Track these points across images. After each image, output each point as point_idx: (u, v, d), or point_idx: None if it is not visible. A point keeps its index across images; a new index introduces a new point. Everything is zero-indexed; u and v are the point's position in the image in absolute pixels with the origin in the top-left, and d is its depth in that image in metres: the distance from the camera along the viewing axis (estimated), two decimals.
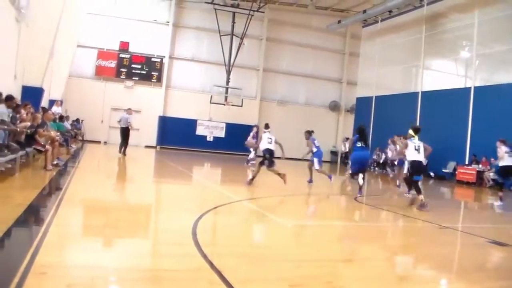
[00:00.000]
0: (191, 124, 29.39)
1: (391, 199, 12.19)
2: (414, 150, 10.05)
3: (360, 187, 11.52)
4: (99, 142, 27.67)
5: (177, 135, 28.97)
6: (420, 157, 10.06)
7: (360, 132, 11.55)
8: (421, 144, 10.16)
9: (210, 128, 29.69)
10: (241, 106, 27.09)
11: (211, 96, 27.10)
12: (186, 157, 23.58)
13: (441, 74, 24.13)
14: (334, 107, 32.72)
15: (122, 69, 28.22)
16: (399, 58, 26.00)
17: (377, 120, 26.88)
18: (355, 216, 9.02)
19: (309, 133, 13.66)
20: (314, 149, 13.49)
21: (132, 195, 9.14)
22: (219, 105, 27.30)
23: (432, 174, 21.75)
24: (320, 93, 32.54)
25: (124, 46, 28.32)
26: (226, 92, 27.38)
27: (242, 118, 29.23)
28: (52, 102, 20.15)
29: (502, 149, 12.34)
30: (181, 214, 7.21)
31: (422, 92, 24.07)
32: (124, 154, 19.48)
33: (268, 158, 11.75)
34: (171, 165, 17.63)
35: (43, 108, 15.26)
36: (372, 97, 27.88)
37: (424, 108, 23.73)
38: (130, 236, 5.59)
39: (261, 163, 11.86)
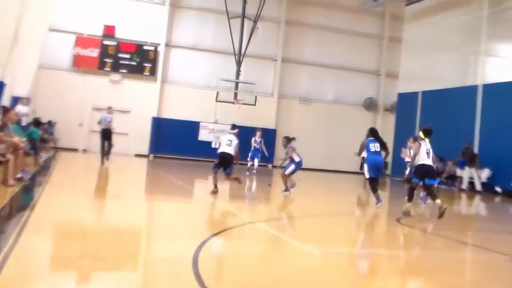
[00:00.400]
0: (192, 127, 29.31)
1: (448, 221, 11.94)
2: (425, 154, 11.28)
3: (378, 196, 12.41)
4: (76, 150, 27.72)
5: (175, 141, 28.90)
6: (430, 161, 11.27)
7: (375, 135, 12.71)
8: (431, 149, 11.40)
9: (216, 132, 29.56)
10: (255, 105, 26.97)
11: (217, 93, 27.01)
12: (186, 168, 23.51)
13: (509, 62, 23.68)
14: (370, 105, 32.46)
15: (106, 60, 28.32)
16: (453, 43, 25.66)
17: (425, 121, 26.47)
18: (400, 242, 8.81)
19: (288, 140, 14.18)
20: (297, 159, 13.86)
21: (118, 217, 9.05)
22: (227, 103, 27.19)
23: (498, 189, 21.34)
24: (352, 88, 32.28)
25: (109, 31, 28.42)
26: (236, 88, 27.27)
27: (255, 119, 28.98)
28: (16, 100, 20.24)
29: None
30: (179, 240, 7.13)
31: (483, 85, 23.70)
32: (107, 158, 20.27)
33: (221, 163, 12.48)
34: (167, 178, 17.56)
35: (4, 107, 15.20)
36: (417, 92, 27.56)
37: (486, 105, 23.32)
38: (114, 269, 5.48)
39: (214, 168, 12.66)
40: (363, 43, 32.38)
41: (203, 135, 29.51)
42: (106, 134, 20.29)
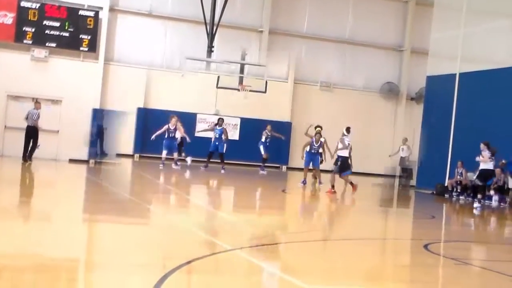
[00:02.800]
0: (154, 122, 29.17)
1: (488, 249, 12.07)
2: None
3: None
4: None
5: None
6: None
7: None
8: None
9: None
10: (265, 92, 27.18)
11: (218, 77, 27.23)
12: (140, 180, 23.46)
13: None
14: (389, 92, 32.65)
15: (26, 28, 28.11)
16: (506, 8, 25.70)
17: (462, 113, 26.64)
18: (428, 276, 8.89)
19: None
20: None
21: (45, 246, 8.96)
22: (231, 90, 27.37)
23: None
24: (365, 70, 32.50)
25: None
26: (242, 72, 27.46)
27: (265, 110, 29.33)
28: None
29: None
30: (131, 275, 7.12)
31: None
32: (30, 159, 22.99)
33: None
34: (112, 192, 17.48)
35: None
36: (454, 75, 27.62)
37: None
38: None
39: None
40: (380, 8, 32.66)
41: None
42: (29, 132, 22.95)
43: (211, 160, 26.34)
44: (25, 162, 22.80)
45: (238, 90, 27.26)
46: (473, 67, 26.73)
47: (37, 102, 24.28)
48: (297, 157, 26.71)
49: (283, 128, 29.22)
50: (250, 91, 27.16)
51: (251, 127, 30.02)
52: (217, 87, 27.79)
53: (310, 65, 31.97)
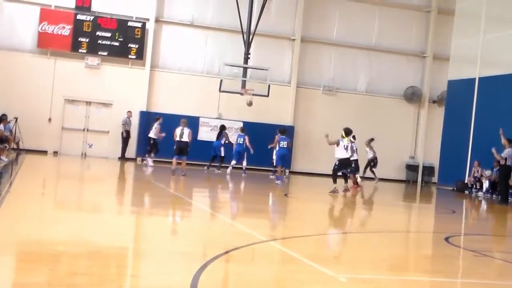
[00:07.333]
0: (190, 124, 29.24)
1: (506, 242, 11.90)
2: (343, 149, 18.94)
3: None
4: (45, 152, 27.81)
5: (168, 140, 28.85)
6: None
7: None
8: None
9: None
10: (267, 96, 26.96)
11: (221, 81, 27.05)
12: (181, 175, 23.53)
13: None
14: (413, 96, 32.35)
15: (81, 39, 28.35)
16: None
17: (481, 114, 26.40)
18: (449, 267, 8.78)
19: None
20: None
21: (97, 234, 9.06)
22: (234, 94, 27.19)
23: None
24: (390, 75, 32.16)
25: (84, 2, 28.43)
26: (245, 75, 27.26)
27: (268, 114, 29.02)
28: None
29: None
30: (174, 263, 7.16)
31: None
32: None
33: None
34: (158, 187, 17.59)
35: None
36: (474, 79, 27.36)
37: None
38: None
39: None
40: (405, 17, 32.27)
41: (203, 134, 29.48)
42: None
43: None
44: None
45: (241, 93, 26.72)
46: (492, 71, 26.55)
47: (128, 111, 27.79)
48: (299, 161, 26.05)
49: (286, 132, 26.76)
50: (253, 94, 26.61)
51: (253, 131, 28.40)
52: (220, 91, 27.14)
53: (338, 71, 31.71)
